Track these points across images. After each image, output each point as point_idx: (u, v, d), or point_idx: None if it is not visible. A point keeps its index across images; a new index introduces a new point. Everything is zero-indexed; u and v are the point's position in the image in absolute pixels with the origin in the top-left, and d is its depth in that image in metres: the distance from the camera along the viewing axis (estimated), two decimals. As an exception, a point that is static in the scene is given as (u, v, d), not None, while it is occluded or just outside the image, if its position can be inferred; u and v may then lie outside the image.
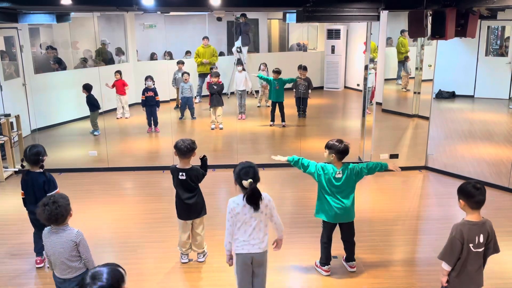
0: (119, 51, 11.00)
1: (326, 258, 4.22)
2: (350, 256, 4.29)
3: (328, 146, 4.09)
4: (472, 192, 3.06)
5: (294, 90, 9.60)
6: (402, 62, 7.84)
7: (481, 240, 3.09)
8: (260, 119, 10.26)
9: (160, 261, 4.50)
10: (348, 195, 4.07)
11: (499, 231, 5.03)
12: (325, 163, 4.12)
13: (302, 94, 9.45)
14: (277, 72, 9.30)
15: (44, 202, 3.08)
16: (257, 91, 11.20)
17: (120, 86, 9.53)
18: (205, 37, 10.71)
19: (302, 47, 13.41)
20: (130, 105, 10.07)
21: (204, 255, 4.52)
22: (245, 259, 3.35)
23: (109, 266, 2.09)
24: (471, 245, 3.07)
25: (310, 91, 9.62)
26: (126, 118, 9.94)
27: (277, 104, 9.26)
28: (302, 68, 9.46)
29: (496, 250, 3.21)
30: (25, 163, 4.29)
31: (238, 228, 3.31)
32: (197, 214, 4.37)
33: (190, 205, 4.29)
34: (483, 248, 3.12)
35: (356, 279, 4.17)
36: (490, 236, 3.13)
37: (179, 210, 4.36)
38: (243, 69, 9.86)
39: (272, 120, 9.34)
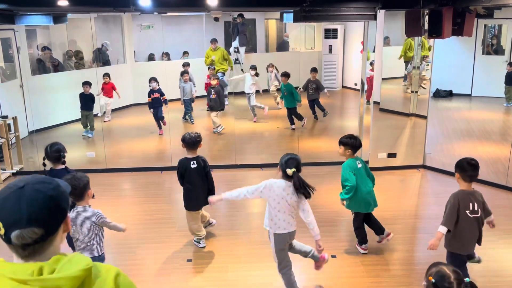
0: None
1: (362, 238, 4.57)
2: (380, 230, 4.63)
3: (343, 143, 4.43)
4: (466, 167, 3.64)
5: (304, 90, 9.45)
6: (409, 62, 7.75)
7: (476, 207, 3.60)
8: (259, 120, 10.23)
9: (159, 261, 4.50)
10: (370, 181, 4.50)
11: (497, 230, 5.05)
12: (345, 162, 4.41)
13: (309, 96, 9.35)
14: (285, 75, 9.05)
15: (67, 177, 3.42)
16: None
17: (109, 89, 9.29)
18: (213, 40, 10.42)
19: (287, 41, 13.42)
20: (128, 107, 10.05)
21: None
22: (286, 238, 3.68)
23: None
24: (467, 211, 3.57)
25: (325, 90, 9.41)
26: (105, 122, 9.57)
27: (290, 109, 9.04)
28: (311, 70, 9.37)
29: (488, 213, 3.74)
30: (46, 162, 4.44)
31: (278, 210, 3.60)
32: (206, 202, 4.55)
33: (202, 194, 4.53)
34: (479, 214, 3.61)
35: (354, 278, 4.18)
36: (481, 203, 3.65)
37: (191, 202, 4.59)
38: (256, 74, 9.58)
39: (292, 123, 9.09)
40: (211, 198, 4.01)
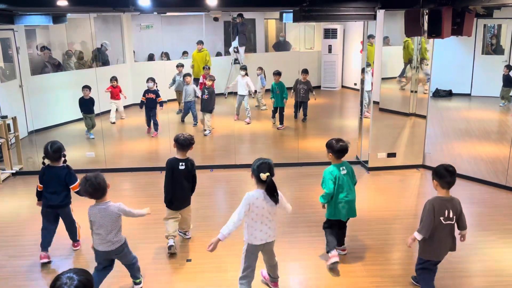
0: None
1: (331, 243, 4.35)
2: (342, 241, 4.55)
3: (326, 145, 4.32)
4: (444, 174, 3.55)
5: (293, 92, 9.53)
6: (407, 63, 7.74)
7: (451, 215, 3.56)
8: (259, 119, 10.25)
9: (158, 261, 4.50)
10: (353, 189, 4.33)
11: (496, 229, 5.07)
12: (328, 168, 4.30)
13: (301, 98, 9.40)
14: (277, 74, 9.16)
15: (83, 182, 3.61)
16: (255, 92, 11.18)
17: (117, 93, 9.41)
18: (199, 42, 10.54)
19: (283, 41, 13.43)
20: (126, 107, 10.05)
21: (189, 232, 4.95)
22: (258, 249, 3.65)
23: (81, 270, 2.19)
24: (441, 218, 3.54)
25: (314, 93, 9.44)
26: (122, 118, 9.86)
27: (278, 108, 9.18)
28: (302, 71, 9.39)
29: (464, 227, 3.67)
30: (46, 160, 4.50)
31: (255, 221, 3.57)
32: (189, 202, 4.75)
33: (186, 195, 4.65)
34: (453, 222, 3.58)
35: (354, 278, 4.17)
36: (458, 211, 3.60)
37: (174, 202, 4.59)
38: (246, 74, 9.68)
39: (273, 117, 9.34)
40: (210, 247, 3.62)
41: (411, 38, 7.04)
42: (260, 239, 3.60)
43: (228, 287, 4.03)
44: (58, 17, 7.08)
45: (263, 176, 3.45)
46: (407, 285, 4.06)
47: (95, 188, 3.59)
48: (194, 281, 4.19)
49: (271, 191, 3.51)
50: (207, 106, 8.85)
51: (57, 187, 4.40)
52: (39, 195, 4.52)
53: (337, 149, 4.22)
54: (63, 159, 4.47)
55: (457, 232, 3.68)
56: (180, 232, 4.92)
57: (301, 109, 9.60)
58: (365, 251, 4.62)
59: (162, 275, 4.28)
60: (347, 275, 4.21)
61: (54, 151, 4.39)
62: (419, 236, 3.59)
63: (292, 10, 6.74)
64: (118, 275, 3.99)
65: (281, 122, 9.27)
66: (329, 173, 4.23)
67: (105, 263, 3.82)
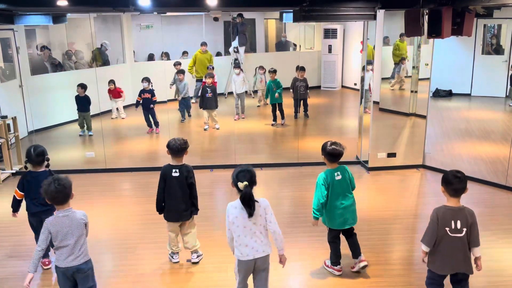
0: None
1: (336, 258, 4.21)
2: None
3: (321, 147, 4.18)
4: (451, 180, 3.28)
5: (291, 90, 9.58)
6: (397, 63, 7.82)
7: (458, 226, 3.25)
8: (259, 118, 10.26)
9: (158, 261, 4.50)
10: (350, 196, 4.12)
11: (497, 229, 5.07)
12: (322, 173, 4.15)
13: (301, 95, 9.43)
14: (273, 72, 9.29)
15: (49, 181, 3.20)
16: (255, 91, 11.20)
17: (116, 93, 9.68)
18: (204, 43, 10.70)
19: (284, 41, 13.47)
20: (126, 107, 10.07)
21: (198, 256, 4.46)
22: (249, 265, 3.34)
23: None
24: (447, 228, 3.26)
25: (308, 91, 9.63)
26: (122, 118, 9.94)
27: (276, 105, 9.31)
28: (300, 69, 9.42)
29: (475, 242, 3.31)
30: (28, 165, 4.28)
31: (238, 234, 3.29)
32: (187, 216, 4.31)
33: (181, 205, 4.25)
34: (463, 234, 3.26)
35: (354, 278, 4.17)
36: (469, 224, 3.26)
37: (170, 212, 4.30)
38: (241, 71, 9.83)
39: (274, 120, 9.39)
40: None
41: (402, 41, 7.13)
42: (247, 254, 3.28)
43: (228, 287, 4.03)
44: (58, 17, 7.08)
45: (241, 185, 3.19)
46: (407, 285, 4.07)
47: (57, 190, 3.16)
48: (194, 281, 4.19)
49: (245, 201, 3.20)
50: (211, 104, 8.96)
51: (36, 194, 4.01)
52: (16, 205, 4.26)
53: (328, 151, 4.06)
54: (46, 163, 4.22)
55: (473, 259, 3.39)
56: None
57: (302, 107, 9.64)
58: (365, 251, 4.60)
59: (161, 275, 4.28)
60: (347, 275, 4.21)
61: (37, 154, 4.14)
62: (424, 247, 3.39)
63: (292, 10, 6.74)
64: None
65: (282, 117, 9.37)
66: (322, 179, 4.07)
67: (67, 285, 3.29)
